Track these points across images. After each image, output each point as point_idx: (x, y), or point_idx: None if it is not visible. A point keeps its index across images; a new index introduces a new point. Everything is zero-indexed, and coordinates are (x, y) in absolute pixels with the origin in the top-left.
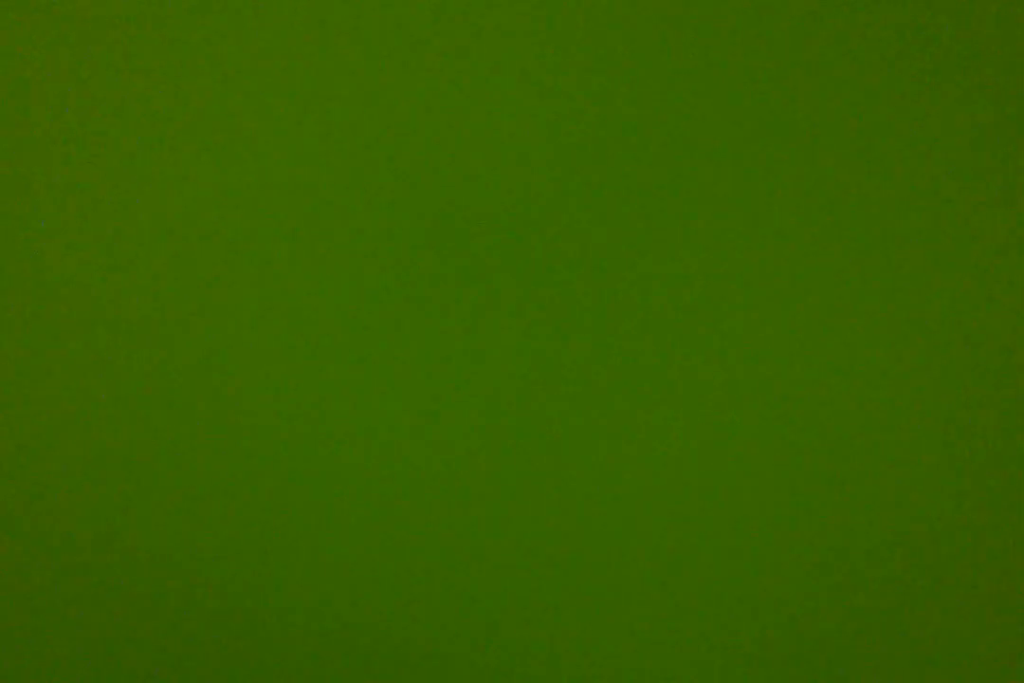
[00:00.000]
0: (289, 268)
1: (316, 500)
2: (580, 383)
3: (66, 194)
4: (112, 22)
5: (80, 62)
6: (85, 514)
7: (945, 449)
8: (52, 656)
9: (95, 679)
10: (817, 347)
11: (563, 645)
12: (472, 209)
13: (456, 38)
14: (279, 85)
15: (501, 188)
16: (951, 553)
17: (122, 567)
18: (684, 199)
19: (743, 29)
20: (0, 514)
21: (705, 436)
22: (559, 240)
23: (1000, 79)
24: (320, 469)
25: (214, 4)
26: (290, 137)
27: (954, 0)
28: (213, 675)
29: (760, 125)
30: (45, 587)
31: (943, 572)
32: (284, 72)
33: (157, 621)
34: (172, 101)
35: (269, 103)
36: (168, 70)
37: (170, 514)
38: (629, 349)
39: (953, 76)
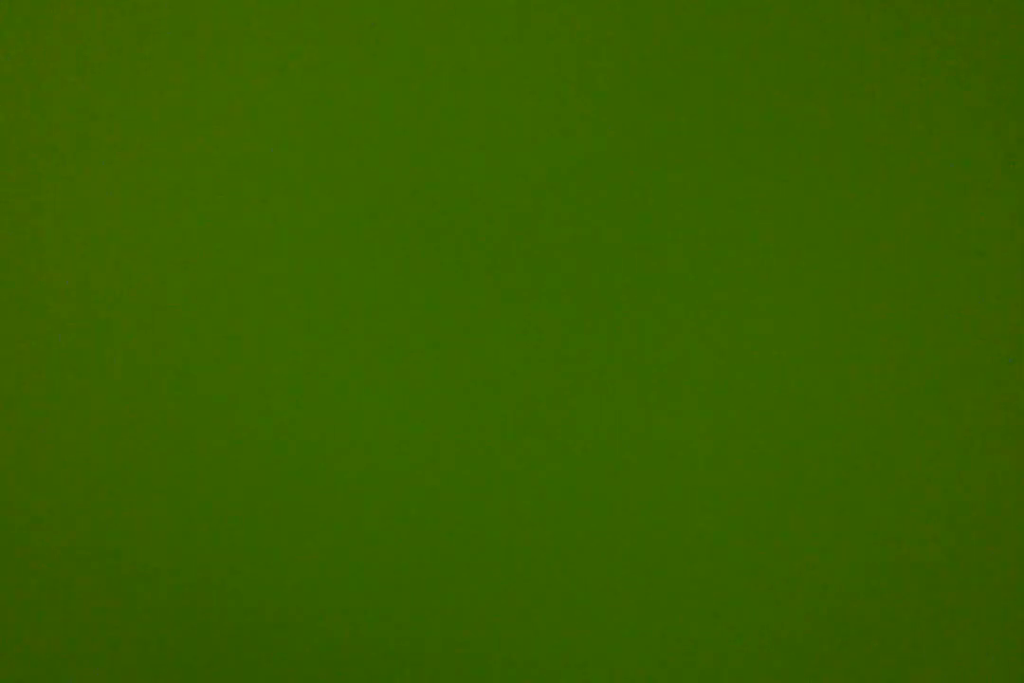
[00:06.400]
0: (293, 268)
1: (319, 502)
2: (585, 382)
3: (66, 194)
4: (112, 22)
5: (80, 62)
6: (84, 515)
7: (946, 452)
8: (51, 659)
9: (95, 679)
10: (823, 349)
11: (565, 646)
12: (475, 209)
13: (461, 39)
14: (282, 83)
15: (505, 188)
16: (952, 554)
17: (122, 569)
18: (689, 195)
19: (745, 29)
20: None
21: (710, 437)
22: (563, 239)
23: (1000, 78)
24: (323, 470)
25: (215, 4)
26: (295, 138)
27: (954, 0)
28: (212, 677)
29: (762, 126)
30: (44, 590)
31: (945, 575)
32: (287, 71)
33: (157, 624)
34: (174, 103)
35: (272, 99)
36: (168, 71)
37: (170, 515)
38: (633, 349)
39: (954, 76)
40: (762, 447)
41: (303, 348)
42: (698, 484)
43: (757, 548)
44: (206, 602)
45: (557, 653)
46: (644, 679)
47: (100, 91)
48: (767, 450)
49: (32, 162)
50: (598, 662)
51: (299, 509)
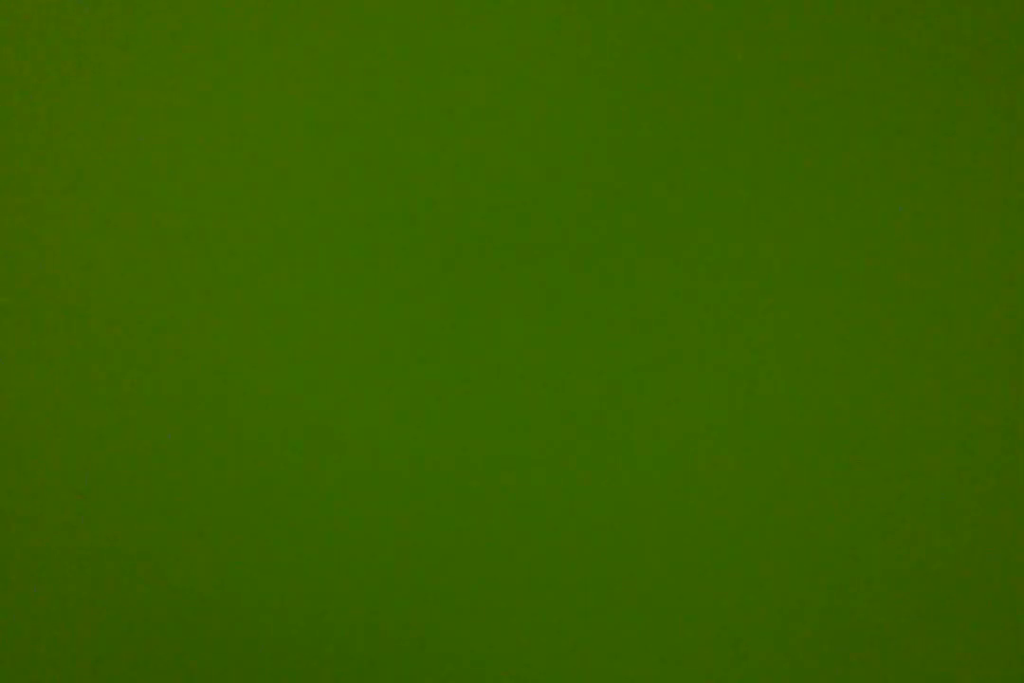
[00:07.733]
0: (295, 270)
1: (320, 504)
2: (586, 384)
3: (66, 194)
4: (112, 21)
5: (80, 62)
6: (84, 515)
7: (946, 453)
8: (51, 659)
9: (93, 680)
10: (824, 350)
11: (566, 648)
12: (478, 211)
13: (464, 41)
14: (284, 83)
15: (507, 189)
16: (953, 555)
17: (122, 570)
18: (690, 199)
19: (746, 30)
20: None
21: (712, 437)
22: (564, 241)
23: (1001, 79)
24: (324, 473)
25: (215, 4)
26: (295, 139)
27: (954, 0)
28: (212, 678)
29: (762, 127)
30: (43, 590)
31: (945, 575)
32: (289, 72)
33: (157, 624)
34: (176, 105)
35: (272, 100)
36: (168, 72)
37: (171, 516)
38: (632, 351)
39: (954, 76)
40: (762, 446)
41: (303, 349)
42: (699, 485)
43: (757, 548)
44: (205, 602)
45: (557, 654)
46: (645, 679)
47: (100, 90)
48: (767, 449)
49: (33, 163)
50: (599, 663)
51: (300, 510)
